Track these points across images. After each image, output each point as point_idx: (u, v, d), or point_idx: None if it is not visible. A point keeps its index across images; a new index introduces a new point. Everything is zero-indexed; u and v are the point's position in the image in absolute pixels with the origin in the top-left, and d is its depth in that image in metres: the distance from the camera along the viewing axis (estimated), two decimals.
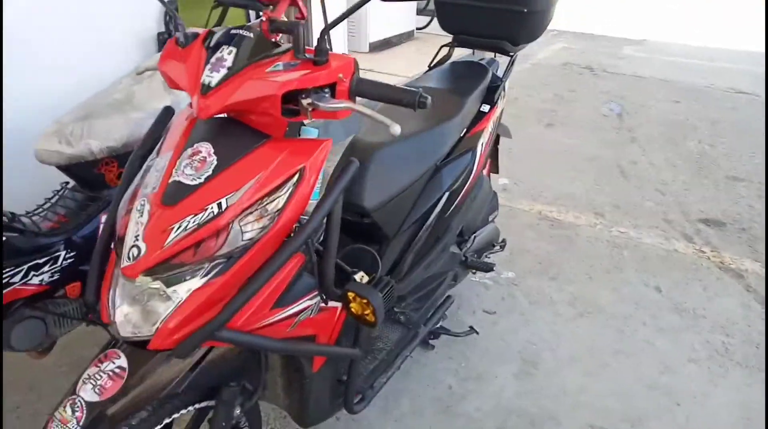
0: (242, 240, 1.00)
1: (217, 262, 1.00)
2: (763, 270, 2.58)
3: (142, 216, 1.03)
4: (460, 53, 2.49)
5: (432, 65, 2.11)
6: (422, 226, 1.66)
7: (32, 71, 2.03)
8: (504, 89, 2.02)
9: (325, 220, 1.13)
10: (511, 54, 2.02)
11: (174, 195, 1.02)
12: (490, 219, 2.05)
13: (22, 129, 1.91)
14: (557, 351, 2.10)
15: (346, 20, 5.12)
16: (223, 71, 1.05)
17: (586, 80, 5.52)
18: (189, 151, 1.07)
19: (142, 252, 0.98)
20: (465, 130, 1.78)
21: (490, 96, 1.91)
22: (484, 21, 1.95)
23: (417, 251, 1.67)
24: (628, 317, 2.28)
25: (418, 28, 6.06)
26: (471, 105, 1.80)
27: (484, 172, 2.16)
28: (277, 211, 1.03)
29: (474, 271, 2.01)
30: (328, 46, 1.04)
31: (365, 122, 1.74)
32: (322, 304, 1.20)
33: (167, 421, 1.12)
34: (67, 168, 1.56)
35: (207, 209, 1.00)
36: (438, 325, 2.01)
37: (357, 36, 5.27)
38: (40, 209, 1.56)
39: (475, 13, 1.93)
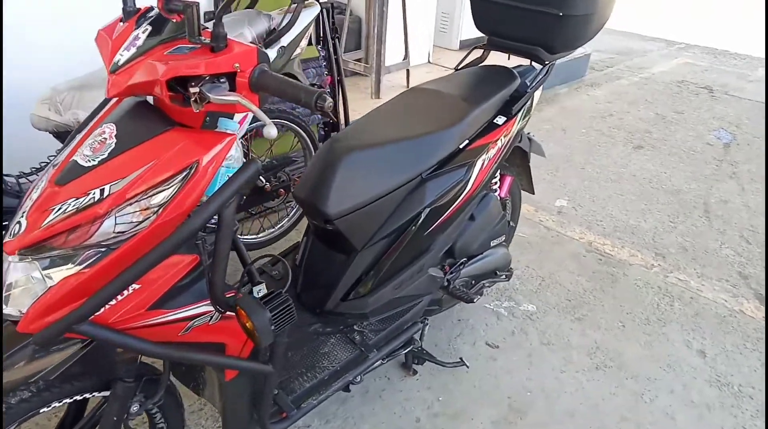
0: (114, 232, 0.94)
1: (94, 251, 0.95)
2: None
3: (35, 192, 1.00)
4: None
5: (460, 67, 1.93)
6: (395, 242, 1.51)
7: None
8: (531, 101, 1.80)
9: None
10: (546, 63, 1.79)
11: (67, 175, 0.98)
12: (492, 243, 1.84)
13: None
14: (554, 404, 1.85)
15: (436, 14, 4.86)
16: (133, 50, 1.00)
17: (699, 102, 4.91)
18: (97, 131, 1.03)
19: (22, 229, 0.95)
20: (467, 141, 1.59)
21: (509, 107, 1.70)
22: (517, 23, 1.74)
23: (387, 268, 1.53)
24: (653, 380, 1.97)
25: None
26: (479, 115, 1.61)
27: (500, 191, 1.96)
28: (161, 205, 0.95)
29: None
30: (225, 32, 0.94)
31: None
32: (229, 312, 1.12)
33: (56, 405, 1.10)
34: (58, 135, 1.60)
35: (89, 194, 0.94)
36: (421, 348, 1.85)
37: (448, 32, 5.09)
38: (31, 172, 1.61)
39: (508, 14, 1.73)
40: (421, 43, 4.54)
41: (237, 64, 0.94)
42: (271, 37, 1.89)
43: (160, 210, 0.95)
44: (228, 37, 0.98)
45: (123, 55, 1.00)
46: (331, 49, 2.85)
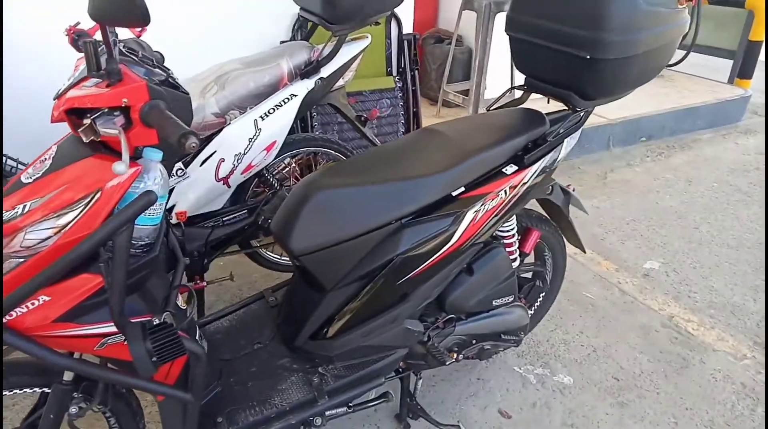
0: (20, 246, 1.02)
1: (12, 261, 1.05)
2: None
3: None
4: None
5: (494, 107, 1.79)
6: (366, 287, 1.44)
7: None
8: (557, 151, 1.60)
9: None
10: (578, 110, 1.59)
11: (11, 188, 1.09)
12: (495, 303, 1.65)
13: None
14: None
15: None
16: (72, 79, 1.09)
17: None
18: (46, 151, 1.14)
19: None
20: (462, 188, 1.47)
21: (525, 156, 1.54)
22: (552, 65, 1.57)
23: (356, 313, 1.46)
24: None
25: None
26: (482, 161, 1.48)
27: (524, 247, 1.77)
28: (66, 225, 1.02)
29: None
30: (118, 67, 0.98)
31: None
32: None
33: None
34: None
35: (16, 208, 1.04)
36: (415, 403, 1.74)
37: None
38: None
39: (541, 54, 1.57)
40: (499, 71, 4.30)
41: (125, 99, 0.97)
42: (307, 68, 1.93)
43: (66, 229, 1.02)
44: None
45: (64, 84, 1.10)
46: (409, 81, 2.84)
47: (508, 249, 1.70)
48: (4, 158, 1.80)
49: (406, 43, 2.83)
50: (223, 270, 2.40)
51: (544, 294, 2.04)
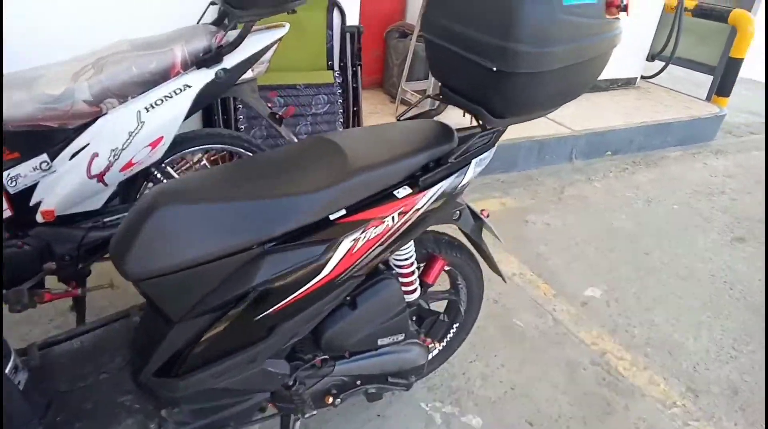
0: None
1: None
2: None
3: None
4: None
5: (401, 117, 1.59)
6: (219, 320, 1.23)
7: None
8: (462, 173, 1.40)
9: None
10: (489, 128, 1.39)
11: None
12: (380, 342, 1.45)
13: None
14: None
15: None
16: None
17: None
18: None
19: None
20: (343, 211, 1.26)
21: (421, 177, 1.33)
22: (465, 75, 1.37)
23: (206, 350, 1.25)
24: None
25: (643, 77, 5.00)
26: (368, 181, 1.27)
27: (428, 277, 1.57)
28: None
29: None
30: None
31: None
32: None
33: None
34: None
35: None
36: None
37: None
38: None
39: (456, 62, 1.36)
40: None
41: None
42: (205, 56, 1.71)
43: None
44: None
45: None
46: (350, 77, 2.62)
47: (404, 279, 1.51)
48: None
49: (348, 35, 2.60)
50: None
51: (458, 324, 1.85)
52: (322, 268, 1.24)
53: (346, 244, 1.25)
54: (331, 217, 1.26)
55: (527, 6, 1.16)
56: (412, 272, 1.52)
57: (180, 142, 1.88)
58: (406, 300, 1.54)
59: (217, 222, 1.17)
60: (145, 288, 1.17)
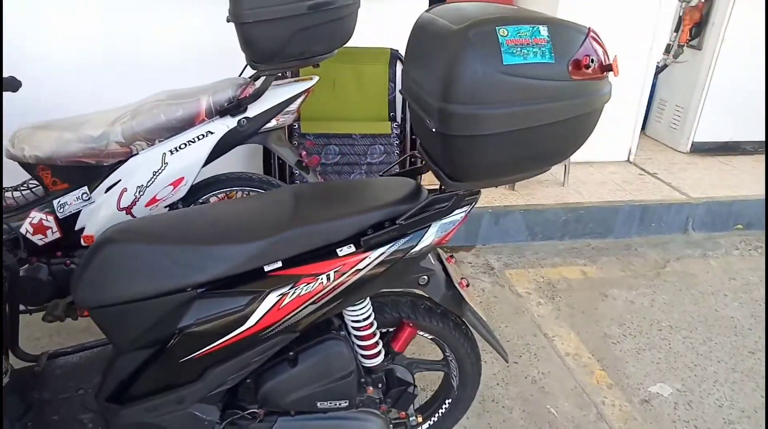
0: None
1: None
2: None
3: None
4: None
5: (386, 172, 1.53)
6: (152, 358, 1.28)
7: None
8: (417, 237, 1.29)
9: None
10: (448, 191, 1.28)
11: None
12: (320, 405, 1.36)
13: None
14: None
15: (654, 102, 4.17)
16: None
17: None
18: None
19: None
20: (279, 264, 1.24)
21: (370, 237, 1.26)
22: (425, 134, 1.28)
23: (142, 383, 1.30)
24: None
25: None
26: (309, 234, 1.24)
27: (395, 344, 1.47)
28: None
29: None
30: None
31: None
32: None
33: None
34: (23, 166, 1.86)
35: None
36: None
37: (679, 128, 4.08)
38: (7, 188, 1.92)
39: (419, 121, 1.29)
40: (618, 135, 3.76)
41: None
42: (228, 106, 1.83)
43: None
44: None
45: None
46: (408, 128, 2.61)
47: (362, 342, 1.42)
48: None
49: None
50: None
51: (450, 400, 1.69)
52: (245, 320, 1.23)
53: (272, 298, 1.23)
54: (266, 269, 1.25)
55: (463, 66, 1.07)
56: (372, 334, 1.43)
57: (209, 184, 2.02)
58: (366, 365, 1.45)
59: (156, 262, 1.23)
60: (93, 316, 1.26)
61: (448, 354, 1.61)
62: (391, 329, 1.51)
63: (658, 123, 4.28)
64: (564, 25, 1.13)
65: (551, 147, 1.21)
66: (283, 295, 1.23)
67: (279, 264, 1.25)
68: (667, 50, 3.93)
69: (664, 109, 4.20)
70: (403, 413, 1.58)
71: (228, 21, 1.69)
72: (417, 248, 1.31)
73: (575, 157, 3.56)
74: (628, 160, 3.86)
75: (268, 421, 1.39)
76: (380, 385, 1.50)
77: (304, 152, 2.00)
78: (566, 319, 2.53)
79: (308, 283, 1.24)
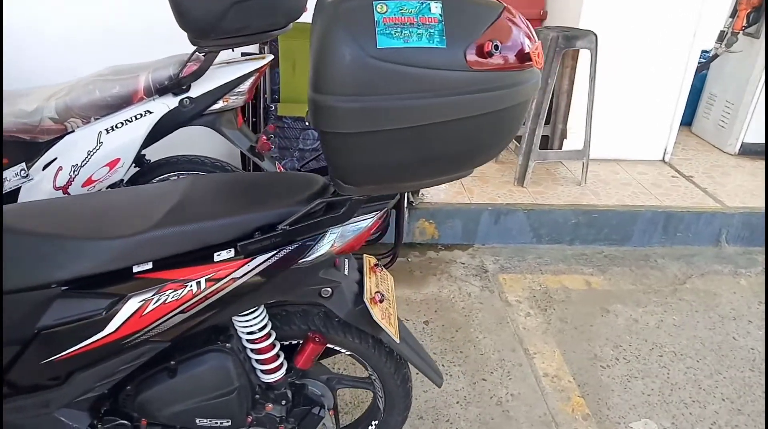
0: None
1: None
2: None
3: None
4: None
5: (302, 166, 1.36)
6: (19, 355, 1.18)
7: None
8: (307, 244, 1.12)
9: None
10: (342, 195, 1.09)
11: None
12: (198, 423, 1.22)
13: None
14: None
15: (702, 97, 3.88)
16: None
17: None
18: None
19: None
20: (149, 265, 1.11)
21: (254, 241, 1.10)
22: None
23: (13, 382, 1.21)
24: None
25: None
26: (182, 234, 1.10)
27: (298, 360, 1.31)
28: None
29: None
30: None
31: None
32: None
33: None
34: None
35: None
36: None
37: (728, 126, 3.65)
38: None
39: None
40: (651, 131, 3.39)
41: None
42: (166, 85, 1.71)
43: None
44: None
45: None
46: None
47: (257, 355, 1.28)
48: None
49: None
50: None
51: (377, 422, 1.52)
52: (105, 325, 1.11)
53: (133, 304, 1.10)
54: (135, 269, 1.12)
55: (330, 49, 0.88)
56: (270, 347, 1.28)
57: (160, 166, 1.92)
58: (265, 380, 1.31)
59: (20, 254, 1.12)
60: None
61: (370, 372, 1.44)
62: (299, 342, 1.35)
63: (706, 120, 3.85)
64: (466, 1, 0.91)
65: (458, 149, 1.00)
66: (146, 301, 1.10)
67: (149, 265, 1.12)
68: (720, 38, 3.49)
69: (712, 105, 3.77)
70: None
71: None
72: (310, 257, 1.14)
73: (599, 153, 3.27)
74: (663, 160, 3.49)
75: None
76: (284, 402, 1.35)
77: (264, 137, 1.85)
78: (554, 335, 2.28)
79: (174, 290, 1.10)
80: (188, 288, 1.10)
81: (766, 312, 2.07)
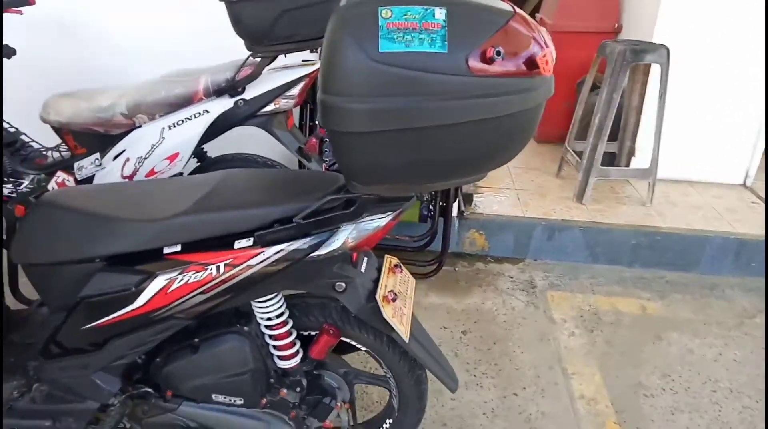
0: None
1: None
2: None
3: None
4: None
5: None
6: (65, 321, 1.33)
7: None
8: (320, 238, 1.18)
9: None
10: (353, 193, 1.14)
11: None
12: (214, 398, 1.29)
13: None
14: None
15: None
16: None
17: None
18: None
19: None
20: (177, 247, 1.21)
21: (269, 232, 1.18)
22: None
23: (60, 344, 1.36)
24: None
25: None
26: (207, 221, 1.20)
27: (312, 350, 1.37)
28: None
29: None
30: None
31: None
32: None
33: None
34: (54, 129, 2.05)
35: None
36: None
37: None
38: (42, 147, 2.13)
39: None
40: (732, 152, 3.18)
41: None
42: (222, 87, 1.84)
43: None
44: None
45: None
46: None
47: (274, 342, 1.35)
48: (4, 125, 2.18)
49: None
50: None
51: (391, 421, 1.55)
52: (134, 299, 1.22)
53: (159, 282, 1.20)
54: (165, 250, 1.23)
55: (337, 51, 0.94)
56: (286, 334, 1.34)
57: (217, 162, 2.06)
58: (281, 366, 1.38)
59: (73, 230, 1.27)
60: (25, 272, 1.35)
61: (386, 370, 1.47)
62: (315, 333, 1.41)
63: None
64: (474, 6, 0.94)
65: (464, 153, 1.03)
66: (171, 279, 1.20)
67: (178, 247, 1.22)
68: None
69: None
70: (329, 423, 1.47)
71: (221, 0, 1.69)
72: (323, 251, 1.20)
73: (669, 173, 3.11)
74: (744, 185, 3.25)
75: (174, 403, 1.38)
76: (298, 389, 1.41)
77: (314, 140, 1.94)
78: (597, 357, 2.20)
79: (196, 272, 1.19)
80: (208, 271, 1.19)
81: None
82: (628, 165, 3.20)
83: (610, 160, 3.27)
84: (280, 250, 1.18)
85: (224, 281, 1.20)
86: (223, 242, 1.21)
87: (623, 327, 2.39)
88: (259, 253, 1.18)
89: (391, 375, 1.47)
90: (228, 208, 1.21)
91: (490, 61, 0.92)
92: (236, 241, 1.20)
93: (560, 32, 3.46)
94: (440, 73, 0.92)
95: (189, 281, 1.20)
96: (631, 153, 3.16)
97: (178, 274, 1.20)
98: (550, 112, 3.78)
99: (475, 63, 0.92)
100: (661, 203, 3.00)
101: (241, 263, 1.19)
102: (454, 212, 2.69)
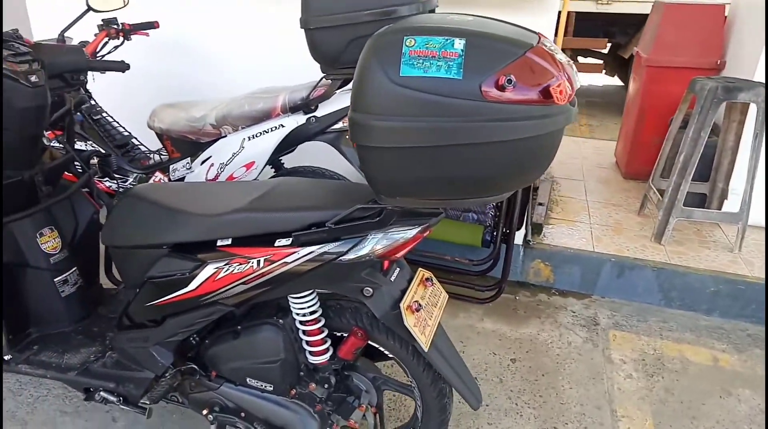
0: None
1: None
2: None
3: None
4: None
5: None
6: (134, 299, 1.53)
7: None
8: (348, 244, 1.28)
9: None
10: (380, 203, 1.24)
11: None
12: (248, 381, 1.41)
13: None
14: None
15: None
16: None
17: None
18: None
19: None
20: (228, 241, 1.37)
21: (304, 234, 1.31)
22: None
23: (129, 318, 1.57)
24: None
25: None
26: (252, 220, 1.34)
27: (318, 336, 1.48)
28: None
29: None
30: None
31: None
32: None
33: None
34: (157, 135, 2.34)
35: None
36: None
37: None
38: (147, 150, 2.44)
39: None
40: None
41: None
42: (298, 104, 2.02)
43: None
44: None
45: None
46: None
47: (307, 337, 1.46)
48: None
49: None
50: None
51: None
52: (187, 284, 1.39)
53: (209, 270, 1.37)
54: (219, 243, 1.40)
55: (365, 74, 1.06)
56: (318, 331, 1.45)
57: (290, 172, 2.24)
58: (312, 361, 1.49)
59: (148, 219, 1.48)
60: (109, 253, 1.59)
61: (410, 380, 1.53)
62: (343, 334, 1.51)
63: None
64: (496, 37, 1.02)
65: (479, 173, 1.09)
66: (218, 269, 1.36)
67: (229, 241, 1.38)
68: None
69: None
70: (354, 423, 1.55)
71: (301, 27, 1.87)
72: (350, 256, 1.30)
73: (761, 220, 2.88)
74: None
75: (216, 382, 1.53)
76: (326, 386, 1.51)
77: None
78: (652, 404, 2.09)
79: (240, 264, 1.34)
80: (250, 264, 1.34)
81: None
82: (720, 208, 3.01)
83: (701, 201, 3.10)
84: (313, 252, 1.30)
85: (262, 275, 1.34)
86: (265, 240, 1.35)
87: (688, 376, 2.25)
88: (294, 252, 1.31)
89: (415, 385, 1.52)
90: (274, 210, 1.35)
91: (501, 88, 0.98)
92: (277, 240, 1.34)
93: (655, 66, 3.35)
94: (454, 97, 1.01)
95: (233, 272, 1.35)
96: (724, 195, 2.97)
97: (225, 265, 1.35)
98: (640, 147, 3.69)
99: (488, 89, 0.99)
100: (751, 251, 2.79)
101: (278, 260, 1.32)
102: (519, 240, 2.68)
